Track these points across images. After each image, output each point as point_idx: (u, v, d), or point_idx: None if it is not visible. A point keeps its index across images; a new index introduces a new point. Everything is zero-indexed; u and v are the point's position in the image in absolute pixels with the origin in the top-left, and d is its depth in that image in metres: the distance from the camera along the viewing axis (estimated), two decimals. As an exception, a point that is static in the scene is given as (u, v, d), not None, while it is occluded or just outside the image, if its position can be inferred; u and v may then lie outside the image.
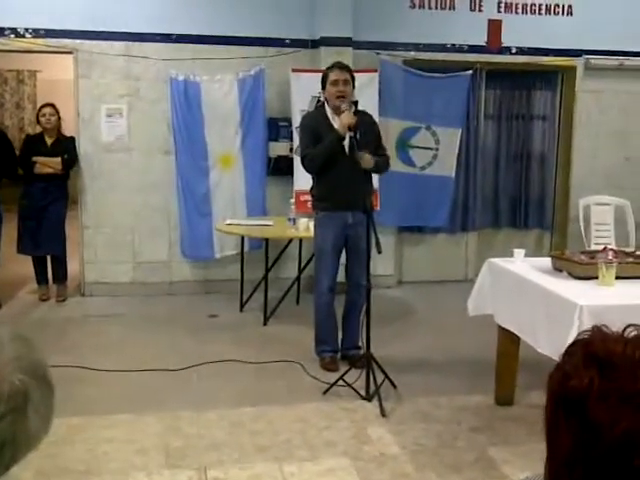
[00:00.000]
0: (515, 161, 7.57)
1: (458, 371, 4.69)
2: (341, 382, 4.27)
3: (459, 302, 6.55)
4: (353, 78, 4.50)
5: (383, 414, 3.92)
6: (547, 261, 3.90)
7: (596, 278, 3.46)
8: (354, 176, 4.33)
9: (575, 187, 7.45)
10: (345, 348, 4.82)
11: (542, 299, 3.43)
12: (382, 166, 4.58)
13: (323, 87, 4.53)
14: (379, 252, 3.99)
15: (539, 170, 7.58)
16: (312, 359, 4.79)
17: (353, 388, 4.21)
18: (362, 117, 4.49)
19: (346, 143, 4.40)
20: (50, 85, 10.79)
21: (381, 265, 6.41)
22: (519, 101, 7.45)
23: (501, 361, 4.13)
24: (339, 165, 4.41)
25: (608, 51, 7.18)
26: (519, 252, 3.97)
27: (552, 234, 7.72)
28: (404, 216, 6.99)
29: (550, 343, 3.27)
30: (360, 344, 4.74)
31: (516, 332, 3.78)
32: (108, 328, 5.60)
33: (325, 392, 4.24)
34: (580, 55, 7.19)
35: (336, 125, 4.39)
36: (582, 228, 6.94)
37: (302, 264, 6.40)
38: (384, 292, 6.44)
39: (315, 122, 4.55)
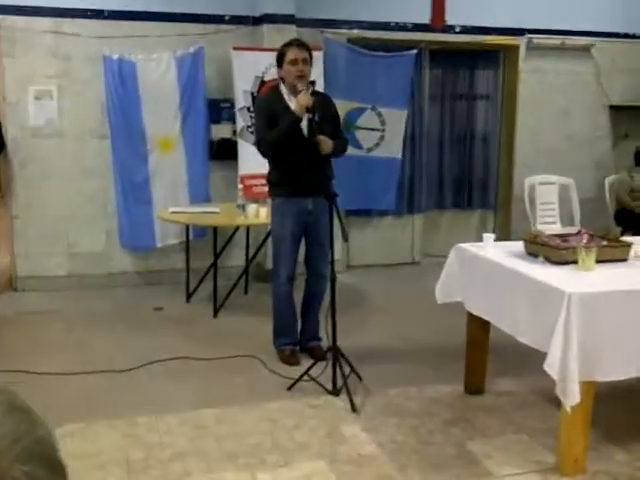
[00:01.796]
0: (459, 142, 7.51)
1: (422, 359, 4.56)
2: (305, 377, 4.06)
3: (410, 286, 6.53)
4: (312, 57, 4.25)
5: (354, 409, 3.74)
6: (518, 245, 3.77)
7: (573, 263, 3.35)
8: (313, 160, 4.10)
9: (518, 167, 7.45)
10: (305, 339, 4.61)
11: (521, 286, 3.30)
12: (340, 150, 4.36)
13: (279, 65, 4.26)
14: (345, 240, 3.79)
15: (483, 150, 7.54)
16: (270, 352, 4.57)
17: (319, 383, 4.01)
18: (320, 98, 4.26)
19: (304, 125, 4.16)
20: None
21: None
22: (462, 81, 7.38)
23: (471, 350, 4.00)
24: (297, 148, 4.17)
25: (550, 30, 7.15)
26: (488, 237, 3.83)
27: (496, 214, 7.70)
28: (351, 199, 6.77)
29: (533, 331, 3.15)
30: (321, 335, 4.56)
31: (491, 320, 3.65)
32: (45, 326, 5.22)
33: (290, 388, 4.02)
34: (523, 34, 7.14)
35: (293, 106, 4.14)
36: (527, 207, 6.93)
37: (250, 252, 6.15)
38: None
39: (270, 103, 4.28)
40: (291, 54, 4.16)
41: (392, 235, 7.32)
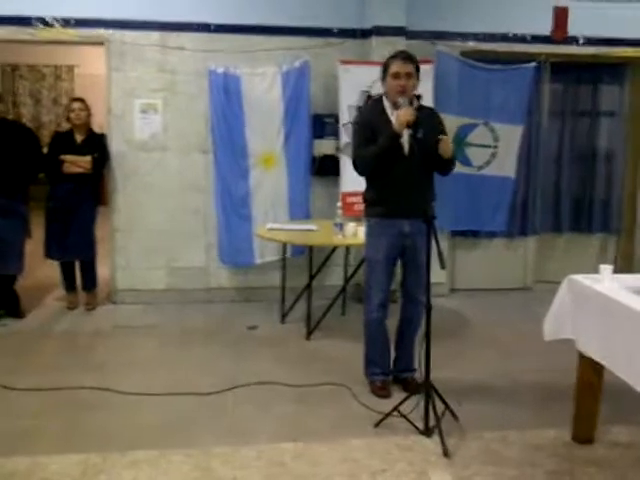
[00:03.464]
0: (579, 160, 6.98)
1: (526, 399, 4.16)
2: (395, 412, 3.76)
3: (519, 314, 6.08)
4: (418, 70, 3.96)
5: (446, 454, 3.40)
6: (638, 279, 3.34)
7: None
8: (413, 179, 3.82)
9: (645, 189, 6.83)
10: (398, 370, 4.31)
11: (641, 329, 2.88)
12: (449, 167, 4.05)
13: (383, 78, 4.01)
14: (442, 267, 3.46)
15: (605, 170, 6.98)
16: (361, 381, 4.29)
17: (409, 420, 3.69)
18: (425, 113, 3.97)
19: (405, 141, 3.87)
20: (88, 80, 10.49)
21: (432, 272, 5.88)
22: (585, 96, 6.86)
23: (581, 393, 3.58)
24: (396, 167, 3.89)
25: (684, 40, 6.53)
26: (606, 268, 3.42)
27: (618, 239, 7.11)
28: (458, 220, 6.45)
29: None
30: (415, 366, 4.25)
31: (606, 365, 3.24)
32: (138, 341, 5.17)
33: (377, 424, 3.73)
34: (653, 46, 6.56)
35: (394, 121, 3.87)
36: (655, 234, 6.35)
37: (349, 271, 5.90)
38: (436, 302, 5.84)
39: (371, 118, 4.03)
40: (394, 67, 3.89)
41: (502, 258, 6.89)
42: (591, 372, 3.49)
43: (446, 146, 3.86)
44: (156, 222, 6.11)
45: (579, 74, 6.78)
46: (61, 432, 3.64)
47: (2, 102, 6.05)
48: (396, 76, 3.89)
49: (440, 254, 3.44)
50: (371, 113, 4.13)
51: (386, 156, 3.88)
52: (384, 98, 4.06)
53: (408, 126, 3.76)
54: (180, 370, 4.57)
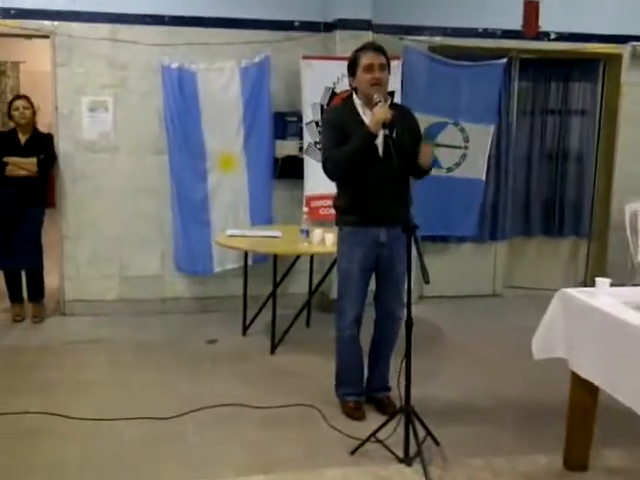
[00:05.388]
0: (550, 161, 6.79)
1: (512, 420, 3.87)
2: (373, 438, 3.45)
3: (492, 322, 5.82)
4: (389, 63, 3.65)
5: (429, 486, 3.10)
6: (638, 293, 3.08)
7: None
8: (389, 184, 3.50)
9: (618, 190, 6.64)
10: (372, 389, 3.99)
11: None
12: (430, 170, 3.76)
13: (352, 74, 3.68)
14: (426, 282, 3.15)
15: (577, 171, 6.77)
16: (332, 401, 3.97)
17: (388, 448, 3.38)
18: (399, 111, 3.64)
19: (379, 142, 3.56)
20: (34, 77, 9.97)
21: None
22: (556, 94, 6.65)
23: (574, 416, 3.30)
24: (371, 170, 3.57)
25: (657, 37, 6.36)
26: (603, 282, 3.14)
27: (590, 243, 6.91)
28: (428, 224, 6.04)
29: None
30: (390, 384, 3.95)
31: (603, 387, 2.97)
32: (89, 358, 4.77)
33: (353, 452, 3.40)
34: (626, 42, 6.36)
35: (367, 120, 3.55)
36: (629, 237, 6.15)
37: (314, 280, 5.57)
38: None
39: (341, 117, 3.69)
40: (366, 59, 3.57)
41: (471, 263, 6.63)
42: (585, 394, 3.22)
43: (427, 155, 3.58)
44: (107, 228, 5.70)
45: (550, 71, 6.57)
46: (4, 467, 3.25)
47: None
48: (369, 68, 3.57)
49: (423, 266, 3.13)
50: (341, 112, 3.80)
51: (360, 158, 3.55)
52: (354, 95, 3.74)
53: (384, 125, 3.44)
54: (134, 391, 4.19)
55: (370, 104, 3.56)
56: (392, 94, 3.74)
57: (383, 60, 3.58)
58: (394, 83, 5.57)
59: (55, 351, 4.90)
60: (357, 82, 3.65)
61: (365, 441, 3.42)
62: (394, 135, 3.44)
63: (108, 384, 4.31)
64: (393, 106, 3.63)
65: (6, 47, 9.89)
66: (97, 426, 3.68)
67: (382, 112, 3.42)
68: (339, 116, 3.72)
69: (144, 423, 3.73)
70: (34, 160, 5.27)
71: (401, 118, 3.62)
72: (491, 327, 5.66)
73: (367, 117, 3.57)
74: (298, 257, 5.56)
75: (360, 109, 3.66)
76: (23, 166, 5.24)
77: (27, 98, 5.52)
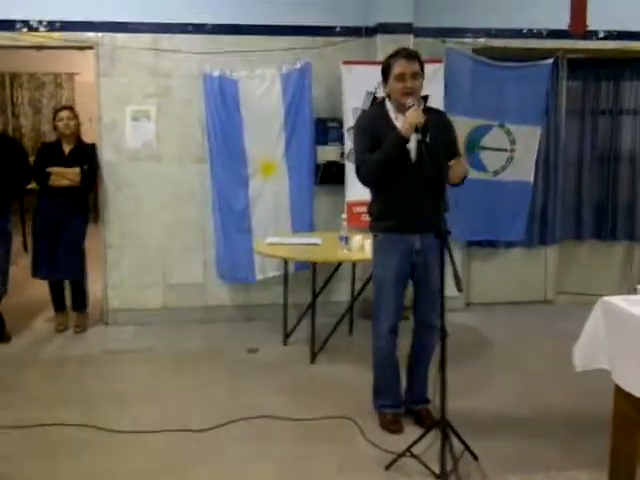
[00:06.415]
0: (601, 163, 6.54)
1: (553, 433, 3.72)
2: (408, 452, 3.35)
3: (542, 330, 5.65)
4: (423, 68, 3.55)
5: (465, 504, 3.00)
6: (686, 302, 2.91)
7: None
8: (423, 189, 3.39)
9: (672, 192, 6.38)
10: (411, 402, 3.89)
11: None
12: (464, 180, 3.65)
13: (385, 80, 3.60)
14: (459, 290, 3.04)
15: (629, 172, 6.53)
16: (370, 413, 3.89)
17: (424, 463, 3.28)
18: (433, 116, 3.54)
19: (412, 147, 3.47)
20: (89, 88, 10.13)
21: (446, 286, 5.48)
22: (606, 94, 6.42)
23: (619, 430, 3.14)
24: (404, 176, 3.48)
25: None
26: (645, 289, 3.00)
27: (644, 248, 6.66)
28: (474, 229, 6.03)
29: None
30: (429, 397, 3.84)
31: (648, 402, 2.82)
32: (129, 369, 4.78)
33: (388, 467, 3.32)
34: (677, 38, 6.12)
35: (399, 125, 3.46)
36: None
37: (357, 286, 5.49)
38: (450, 317, 5.43)
39: (373, 122, 3.61)
40: (397, 67, 3.48)
41: (521, 269, 6.46)
42: (630, 406, 3.06)
43: (459, 171, 3.50)
44: (150, 236, 5.74)
45: (599, 70, 6.35)
46: (37, 478, 3.26)
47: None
48: (401, 78, 3.48)
49: (456, 274, 3.02)
50: (372, 117, 3.71)
51: (392, 163, 3.46)
52: (386, 101, 3.66)
53: (416, 129, 3.35)
54: (172, 402, 4.18)
55: (402, 109, 3.47)
56: (426, 98, 3.64)
57: (416, 68, 3.48)
58: (437, 87, 5.49)
59: (95, 361, 4.93)
60: (389, 89, 3.57)
61: (400, 455, 3.33)
62: (427, 139, 3.35)
63: (146, 395, 4.30)
64: (427, 110, 3.53)
65: (61, 59, 10.10)
66: (131, 439, 3.67)
67: (414, 116, 3.33)
68: (371, 121, 3.64)
69: (179, 435, 3.70)
70: (77, 170, 5.33)
71: (435, 122, 3.52)
72: (540, 335, 5.50)
73: (399, 122, 3.48)
74: (340, 264, 5.49)
75: (392, 114, 3.57)
76: (66, 176, 5.31)
77: (71, 109, 5.61)
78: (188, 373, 4.68)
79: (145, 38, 5.59)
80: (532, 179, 6.07)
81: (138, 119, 5.66)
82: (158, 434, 3.71)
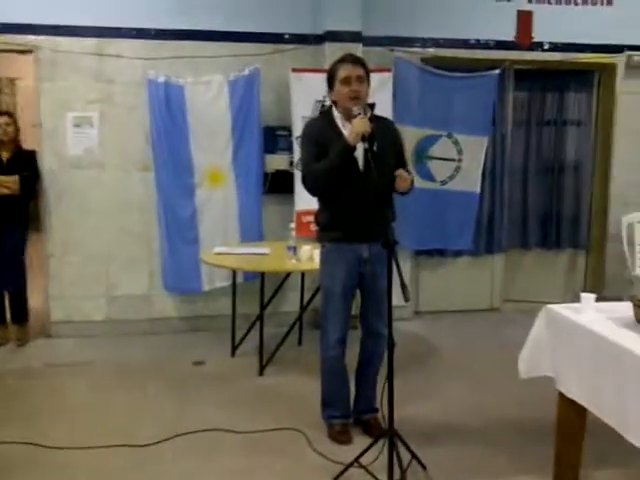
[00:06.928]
0: (546, 173, 6.64)
1: (502, 441, 3.73)
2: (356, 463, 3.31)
3: (488, 338, 5.68)
4: (368, 74, 3.54)
5: (414, 515, 2.97)
6: (624, 309, 2.94)
7: None
8: (370, 198, 3.35)
9: (615, 202, 6.52)
10: (359, 411, 3.86)
11: (630, 368, 2.49)
12: (411, 190, 3.63)
13: (330, 87, 3.58)
14: (406, 300, 3.01)
15: (573, 183, 6.64)
16: (318, 424, 3.84)
17: (372, 474, 3.24)
18: (380, 124, 3.53)
19: (359, 156, 3.44)
20: (32, 93, 9.87)
21: (394, 294, 5.47)
22: (551, 104, 6.52)
23: (562, 437, 3.17)
24: (351, 185, 3.45)
25: (653, 47, 6.24)
26: (587, 297, 3.01)
27: (587, 255, 6.78)
28: (422, 238, 6.05)
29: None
30: (377, 406, 3.81)
31: (589, 408, 2.83)
32: (71, 382, 4.63)
33: (336, 478, 3.27)
34: (621, 51, 6.25)
35: (346, 133, 3.43)
36: (626, 250, 6.01)
37: (305, 297, 5.45)
38: (398, 326, 5.44)
39: (320, 130, 3.57)
40: (343, 71, 3.47)
41: (468, 278, 6.50)
42: (573, 414, 3.08)
43: (404, 183, 3.47)
44: (93, 246, 5.60)
45: (544, 81, 6.45)
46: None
47: None
48: (346, 81, 3.46)
49: (403, 285, 3.00)
50: (319, 125, 3.67)
51: (339, 172, 3.43)
52: (333, 108, 3.63)
53: (363, 138, 3.32)
54: (115, 416, 4.07)
55: (349, 117, 3.44)
56: (372, 106, 3.60)
57: (361, 72, 3.47)
58: (386, 96, 5.50)
59: (37, 375, 4.77)
60: (335, 95, 3.54)
61: (348, 467, 3.29)
62: (374, 148, 3.32)
63: (89, 410, 4.18)
64: (374, 118, 3.51)
65: (1, 63, 9.81)
66: (73, 455, 3.54)
67: (361, 124, 3.31)
68: (318, 130, 3.60)
69: (122, 451, 3.60)
70: (16, 178, 5.17)
71: (383, 130, 3.50)
72: (487, 343, 5.53)
73: (346, 130, 3.45)
74: (289, 274, 5.44)
75: (339, 122, 3.54)
76: (4, 184, 5.14)
77: (9, 114, 5.46)
78: (132, 386, 4.55)
79: (88, 42, 5.46)
80: (479, 189, 6.11)
81: (80, 125, 5.52)
82: (101, 449, 3.59)
